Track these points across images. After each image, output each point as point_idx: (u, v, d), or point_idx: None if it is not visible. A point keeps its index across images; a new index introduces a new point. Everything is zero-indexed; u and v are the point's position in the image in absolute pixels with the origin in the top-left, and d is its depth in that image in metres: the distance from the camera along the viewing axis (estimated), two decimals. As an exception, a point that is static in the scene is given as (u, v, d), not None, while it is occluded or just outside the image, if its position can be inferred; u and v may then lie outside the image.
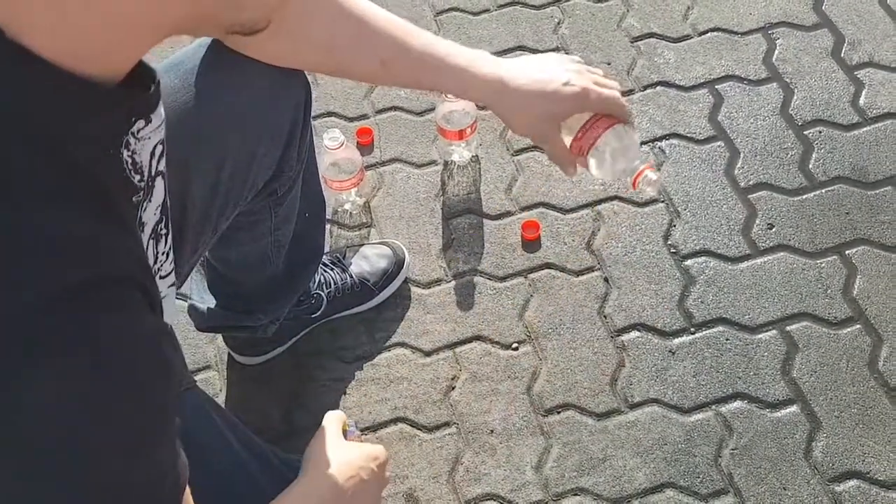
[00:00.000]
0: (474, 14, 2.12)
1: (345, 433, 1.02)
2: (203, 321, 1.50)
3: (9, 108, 0.59)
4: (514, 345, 1.64)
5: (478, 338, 1.66)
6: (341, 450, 0.98)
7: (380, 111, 1.97)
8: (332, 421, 1.02)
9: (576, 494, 1.49)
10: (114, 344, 0.60)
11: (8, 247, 0.57)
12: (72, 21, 0.58)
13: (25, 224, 0.58)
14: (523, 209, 1.81)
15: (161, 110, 0.73)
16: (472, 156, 1.87)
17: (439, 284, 1.72)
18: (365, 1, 1.08)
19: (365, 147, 1.91)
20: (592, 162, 1.04)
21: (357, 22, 1.06)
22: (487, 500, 1.49)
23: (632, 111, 1.08)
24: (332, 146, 1.71)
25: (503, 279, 1.72)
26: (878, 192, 1.81)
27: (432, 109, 1.91)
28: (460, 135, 1.80)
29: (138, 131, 0.69)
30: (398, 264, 1.69)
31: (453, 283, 1.72)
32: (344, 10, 1.06)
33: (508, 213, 1.81)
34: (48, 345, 0.57)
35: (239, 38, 0.69)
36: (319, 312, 1.62)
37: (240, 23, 0.67)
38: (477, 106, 1.87)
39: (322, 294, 1.61)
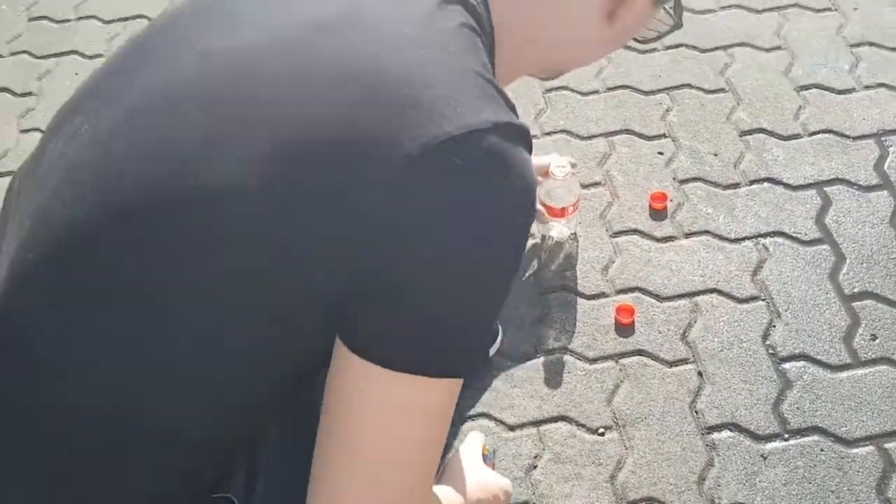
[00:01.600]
0: (583, 94, 2.14)
1: (485, 457, 1.03)
2: None
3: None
4: (601, 430, 1.61)
5: (563, 418, 1.63)
6: (479, 469, 1.01)
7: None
8: (475, 441, 1.04)
9: None
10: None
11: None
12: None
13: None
14: (619, 292, 1.79)
15: None
16: (571, 233, 1.87)
17: (529, 359, 1.70)
18: None
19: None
20: None
21: None
22: (561, 588, 1.45)
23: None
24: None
25: (593, 361, 1.70)
26: None
27: (535, 183, 1.92)
28: (562, 212, 1.80)
29: None
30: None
31: (542, 358, 1.70)
32: None
33: (603, 295, 1.79)
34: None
35: None
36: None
37: None
38: (581, 184, 1.88)
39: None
